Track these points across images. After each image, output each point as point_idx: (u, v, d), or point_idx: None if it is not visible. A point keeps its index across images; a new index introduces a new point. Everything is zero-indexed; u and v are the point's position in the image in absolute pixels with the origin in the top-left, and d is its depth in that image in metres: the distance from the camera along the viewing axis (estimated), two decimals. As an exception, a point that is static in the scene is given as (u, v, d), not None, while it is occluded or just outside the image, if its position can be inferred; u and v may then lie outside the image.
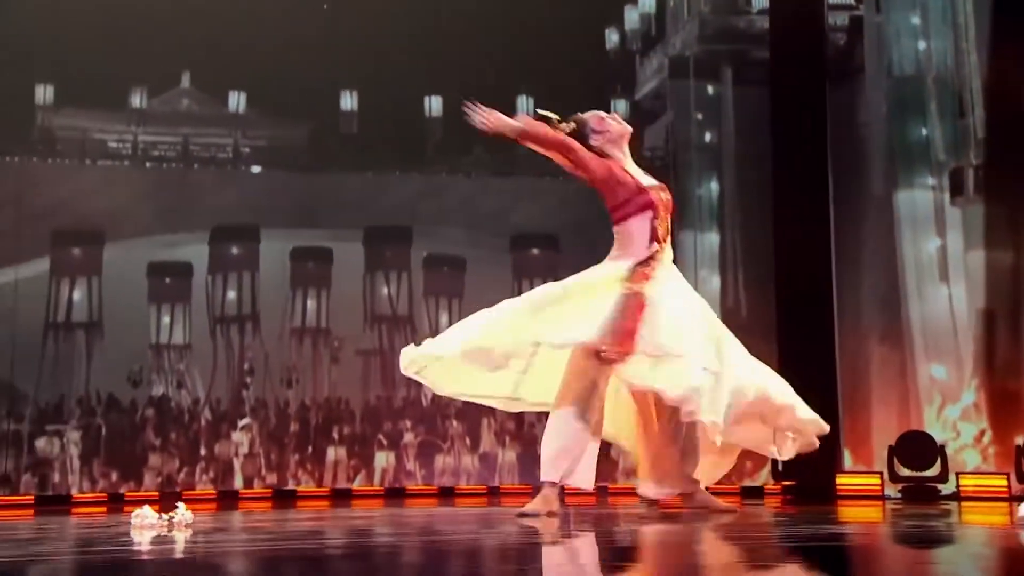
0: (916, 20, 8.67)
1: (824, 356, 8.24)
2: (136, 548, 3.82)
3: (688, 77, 9.18)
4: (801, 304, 8.28)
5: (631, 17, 9.37)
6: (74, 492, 8.39)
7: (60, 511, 7.36)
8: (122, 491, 8.44)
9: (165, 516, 4.58)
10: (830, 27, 8.80)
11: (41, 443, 8.42)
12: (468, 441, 8.82)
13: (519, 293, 9.02)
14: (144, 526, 4.50)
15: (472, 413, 8.80)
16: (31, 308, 8.50)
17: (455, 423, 8.82)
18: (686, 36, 9.28)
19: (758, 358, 8.72)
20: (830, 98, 8.47)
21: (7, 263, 8.50)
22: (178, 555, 3.63)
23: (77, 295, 8.65)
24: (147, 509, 4.65)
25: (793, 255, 8.31)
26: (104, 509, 7.87)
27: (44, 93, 8.89)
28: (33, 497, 8.25)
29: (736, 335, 8.93)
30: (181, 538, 4.09)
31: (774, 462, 7.94)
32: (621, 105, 9.21)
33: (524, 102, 9.13)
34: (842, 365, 8.32)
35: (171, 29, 8.62)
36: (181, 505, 4.68)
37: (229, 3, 8.73)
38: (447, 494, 8.75)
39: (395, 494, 8.71)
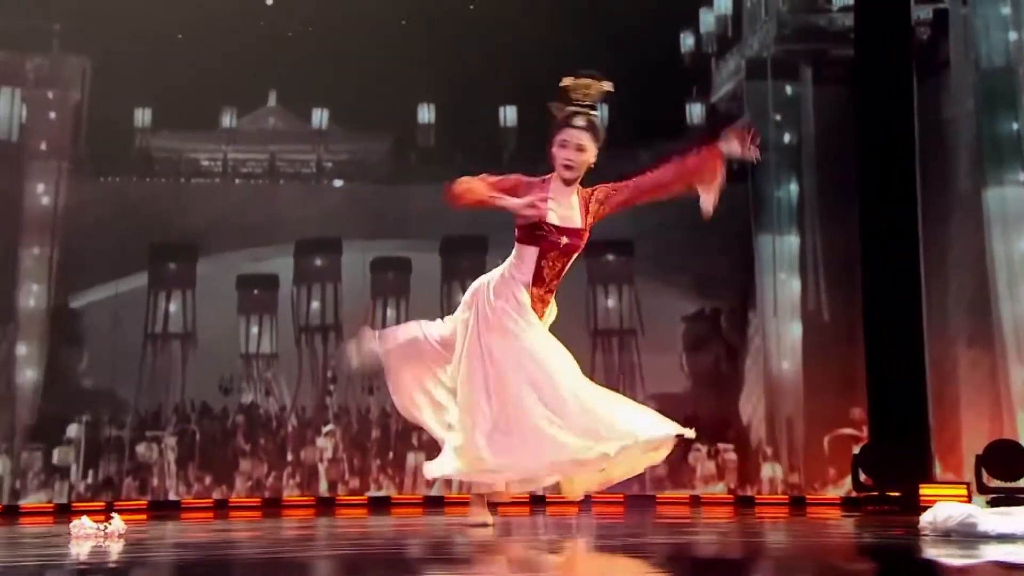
0: (1006, 10, 8.27)
1: (912, 360, 7.91)
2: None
3: (766, 78, 8.96)
4: (888, 306, 7.97)
5: (706, 20, 9.21)
6: (171, 496, 8.73)
7: (169, 516, 7.65)
8: (216, 495, 8.74)
9: (101, 526, 4.62)
10: (914, 21, 8.46)
11: (141, 448, 8.81)
12: (545, 447, 8.80)
13: (595, 299, 9.06)
14: (81, 536, 4.55)
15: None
16: (131, 320, 8.90)
17: (532, 429, 8.82)
18: (764, 37, 9.07)
19: (842, 362, 8.52)
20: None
21: (108, 278, 8.93)
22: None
23: (173, 307, 9.02)
24: (85, 519, 4.69)
25: (879, 255, 8.01)
26: (211, 515, 8.16)
27: (142, 116, 9.33)
28: (145, 503, 8.60)
29: (818, 339, 8.71)
30: (115, 548, 4.17)
31: (856, 470, 7.69)
32: (697, 108, 9.08)
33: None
34: (930, 369, 7.98)
35: (257, 51, 8.89)
36: (116, 516, 4.74)
37: (311, 23, 8.97)
38: (538, 502, 8.66)
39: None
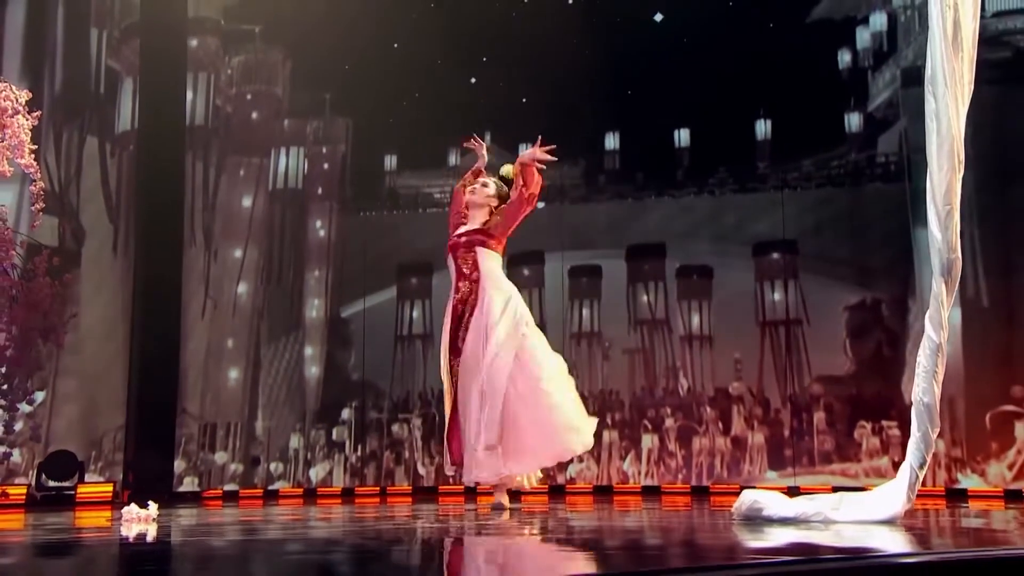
0: None
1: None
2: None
3: (921, 84, 8.96)
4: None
5: (862, 37, 9.43)
6: (419, 467, 10.04)
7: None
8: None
9: (144, 511, 4.80)
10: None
11: (395, 428, 10.22)
12: (721, 425, 9.37)
13: (762, 294, 9.50)
14: (131, 520, 4.70)
15: (723, 401, 9.34)
16: (385, 325, 10.36)
17: (709, 410, 9.41)
18: (918, 47, 9.16)
19: (1002, 344, 8.47)
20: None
21: (367, 292, 10.45)
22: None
23: (415, 314, 10.39)
24: (133, 506, 4.86)
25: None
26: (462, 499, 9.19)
27: (390, 161, 10.82)
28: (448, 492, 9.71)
29: (977, 323, 8.67)
30: (152, 530, 4.36)
31: None
32: (855, 117, 9.32)
33: (762, 125, 9.57)
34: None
35: (479, 98, 10.17)
36: (151, 503, 4.94)
37: (519, 70, 10.06)
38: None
39: (700, 492, 9.19)
